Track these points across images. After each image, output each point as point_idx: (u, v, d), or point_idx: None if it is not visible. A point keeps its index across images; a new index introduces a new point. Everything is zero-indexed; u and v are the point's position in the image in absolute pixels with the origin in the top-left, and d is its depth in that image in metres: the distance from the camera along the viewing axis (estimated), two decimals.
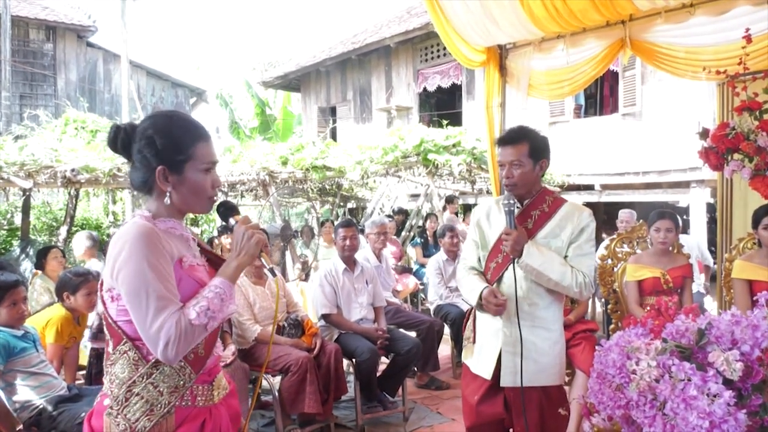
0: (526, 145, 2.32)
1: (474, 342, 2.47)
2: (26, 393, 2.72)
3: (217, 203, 1.66)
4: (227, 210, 1.68)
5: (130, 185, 1.59)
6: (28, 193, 7.29)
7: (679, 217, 3.55)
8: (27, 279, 4.84)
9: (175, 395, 1.47)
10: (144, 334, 1.39)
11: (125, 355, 1.46)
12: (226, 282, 1.49)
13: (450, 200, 8.64)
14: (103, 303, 1.50)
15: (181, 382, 1.48)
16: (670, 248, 3.57)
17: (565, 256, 2.31)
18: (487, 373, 2.35)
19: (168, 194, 1.51)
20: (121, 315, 1.46)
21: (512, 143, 2.34)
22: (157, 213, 1.53)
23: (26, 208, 7.92)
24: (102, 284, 1.51)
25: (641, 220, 3.88)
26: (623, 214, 6.09)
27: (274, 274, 1.71)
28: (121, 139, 1.51)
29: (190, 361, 1.49)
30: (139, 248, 1.40)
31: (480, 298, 2.31)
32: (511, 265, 2.29)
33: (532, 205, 2.38)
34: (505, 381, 2.31)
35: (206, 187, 1.55)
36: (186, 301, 1.44)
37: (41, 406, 2.70)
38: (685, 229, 5.96)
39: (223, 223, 7.80)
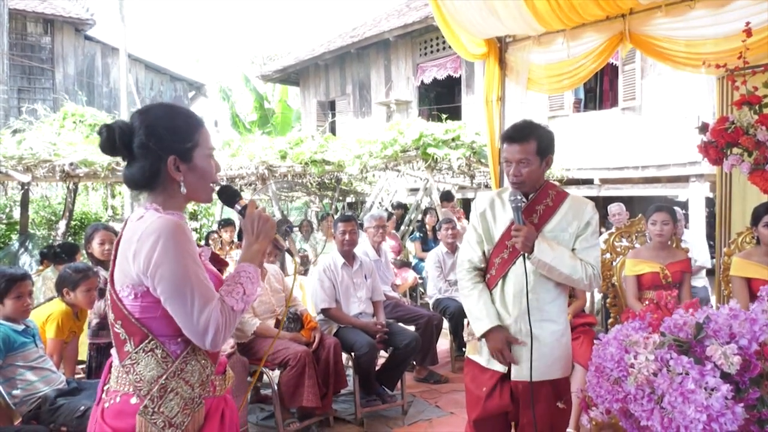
0: (534, 143, 2.26)
1: (480, 339, 2.43)
2: (25, 387, 2.73)
3: (217, 190, 1.66)
4: (230, 195, 1.66)
5: (129, 183, 1.52)
6: (26, 187, 7.29)
7: (680, 211, 3.53)
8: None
9: (202, 388, 1.49)
10: (189, 327, 1.39)
11: (151, 353, 1.43)
12: (251, 266, 1.53)
13: (445, 197, 8.44)
14: (120, 300, 1.44)
15: (206, 375, 1.51)
16: (669, 243, 3.56)
17: (572, 249, 2.29)
18: (501, 367, 2.33)
19: (181, 184, 1.50)
20: (146, 312, 1.42)
21: (520, 141, 2.27)
22: (165, 206, 1.50)
23: (25, 203, 7.93)
24: (113, 282, 1.45)
25: (640, 215, 3.87)
26: (613, 208, 6.18)
27: (292, 254, 1.78)
28: (120, 138, 1.45)
29: (210, 354, 1.52)
30: (176, 243, 1.39)
31: (486, 333, 2.30)
32: (520, 260, 2.27)
33: (536, 199, 2.34)
34: (516, 375, 2.30)
35: (212, 173, 1.56)
36: None
37: (40, 400, 2.72)
38: (685, 224, 5.98)
39: (223, 218, 7.84)
